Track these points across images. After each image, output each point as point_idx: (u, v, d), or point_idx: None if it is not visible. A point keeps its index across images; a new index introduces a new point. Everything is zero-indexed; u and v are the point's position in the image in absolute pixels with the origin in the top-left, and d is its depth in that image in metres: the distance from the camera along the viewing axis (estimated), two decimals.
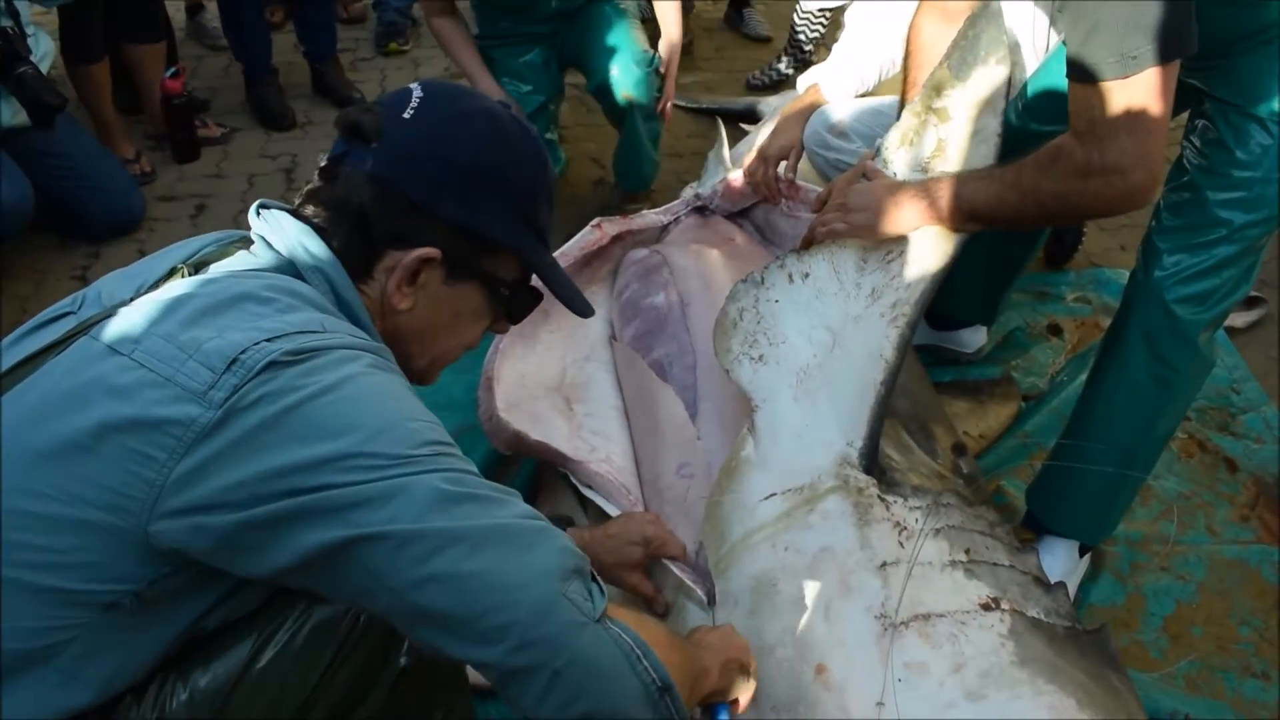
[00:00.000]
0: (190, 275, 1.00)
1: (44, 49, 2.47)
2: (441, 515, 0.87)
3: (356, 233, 1.04)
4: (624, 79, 2.59)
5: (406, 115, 1.06)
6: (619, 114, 2.68)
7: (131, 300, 0.97)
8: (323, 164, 1.09)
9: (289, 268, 1.02)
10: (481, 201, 1.07)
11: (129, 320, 0.93)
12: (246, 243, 1.07)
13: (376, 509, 0.85)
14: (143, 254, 2.71)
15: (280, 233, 1.03)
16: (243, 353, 0.88)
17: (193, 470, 0.85)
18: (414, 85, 1.10)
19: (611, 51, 2.59)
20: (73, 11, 2.74)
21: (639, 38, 2.62)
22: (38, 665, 0.90)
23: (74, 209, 2.69)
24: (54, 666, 0.90)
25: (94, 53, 2.88)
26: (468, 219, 1.06)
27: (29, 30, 2.42)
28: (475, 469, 0.93)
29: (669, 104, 2.76)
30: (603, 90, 2.65)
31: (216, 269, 1.02)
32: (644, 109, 2.65)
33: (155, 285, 1.00)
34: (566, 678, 0.86)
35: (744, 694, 1.17)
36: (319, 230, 1.04)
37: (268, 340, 0.89)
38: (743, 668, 1.16)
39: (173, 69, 3.04)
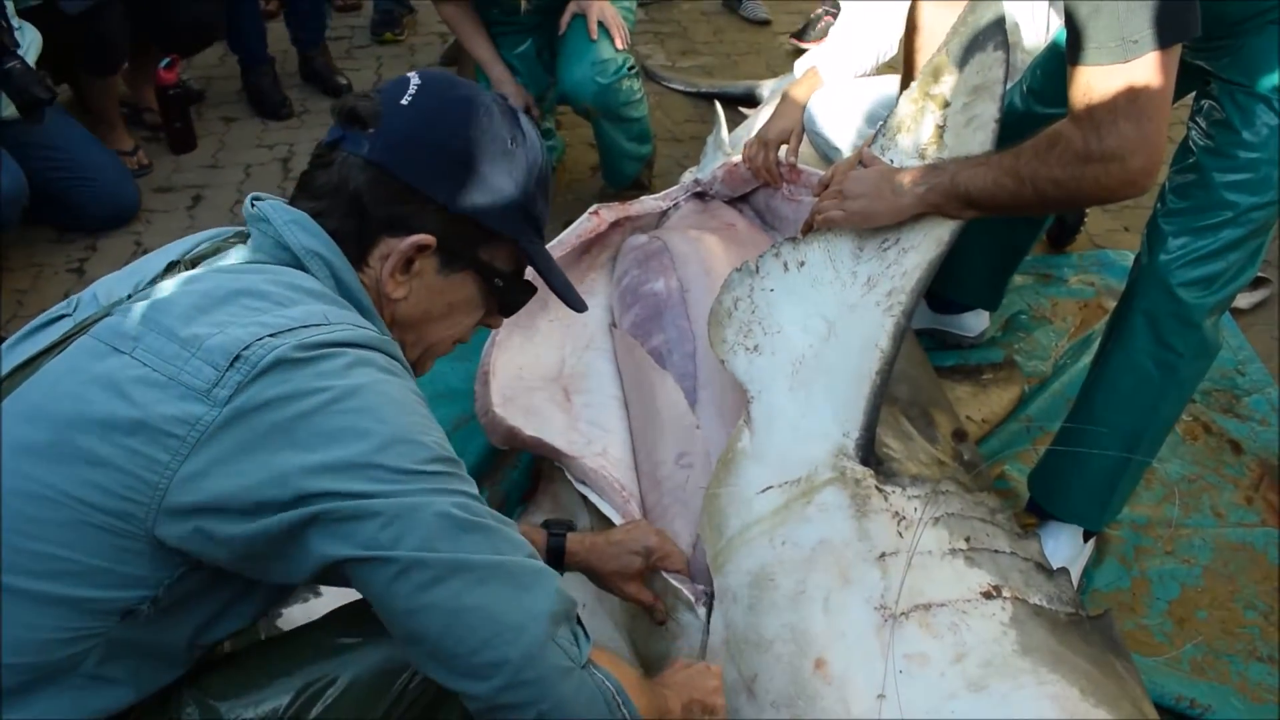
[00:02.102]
0: (187, 271, 0.99)
1: (29, 39, 2.45)
2: (448, 544, 0.86)
3: (351, 218, 1.03)
4: (581, 91, 2.51)
5: (404, 101, 1.05)
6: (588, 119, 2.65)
7: (129, 298, 0.95)
8: (316, 151, 1.08)
9: (288, 257, 1.01)
10: (477, 189, 1.06)
11: (128, 318, 0.92)
12: (242, 238, 1.05)
13: (382, 527, 0.85)
14: (140, 246, 2.71)
15: (276, 223, 1.01)
16: (246, 349, 0.86)
17: (198, 471, 0.84)
18: (411, 74, 1.09)
19: (572, 61, 2.51)
20: (95, 28, 2.72)
21: (605, 44, 2.48)
22: (64, 675, 0.89)
23: (67, 201, 2.67)
24: (80, 673, 0.90)
25: (112, 66, 2.86)
26: (464, 206, 1.05)
27: (15, 24, 2.39)
28: (477, 490, 0.93)
29: (618, 35, 2.50)
30: (564, 100, 2.61)
31: (213, 264, 1.00)
32: (610, 115, 2.59)
33: (152, 283, 0.98)
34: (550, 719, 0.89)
35: None
36: (315, 216, 1.03)
37: (271, 335, 0.88)
38: (706, 708, 1.14)
39: (167, 59, 3.01)
